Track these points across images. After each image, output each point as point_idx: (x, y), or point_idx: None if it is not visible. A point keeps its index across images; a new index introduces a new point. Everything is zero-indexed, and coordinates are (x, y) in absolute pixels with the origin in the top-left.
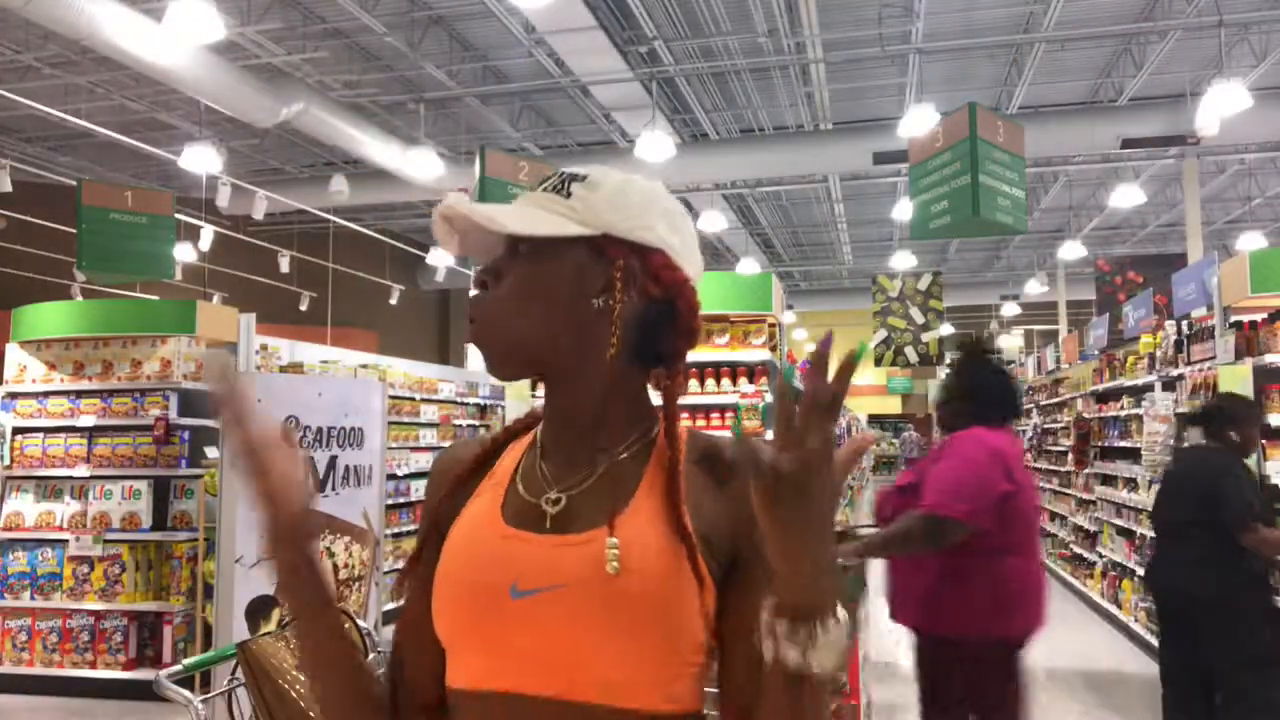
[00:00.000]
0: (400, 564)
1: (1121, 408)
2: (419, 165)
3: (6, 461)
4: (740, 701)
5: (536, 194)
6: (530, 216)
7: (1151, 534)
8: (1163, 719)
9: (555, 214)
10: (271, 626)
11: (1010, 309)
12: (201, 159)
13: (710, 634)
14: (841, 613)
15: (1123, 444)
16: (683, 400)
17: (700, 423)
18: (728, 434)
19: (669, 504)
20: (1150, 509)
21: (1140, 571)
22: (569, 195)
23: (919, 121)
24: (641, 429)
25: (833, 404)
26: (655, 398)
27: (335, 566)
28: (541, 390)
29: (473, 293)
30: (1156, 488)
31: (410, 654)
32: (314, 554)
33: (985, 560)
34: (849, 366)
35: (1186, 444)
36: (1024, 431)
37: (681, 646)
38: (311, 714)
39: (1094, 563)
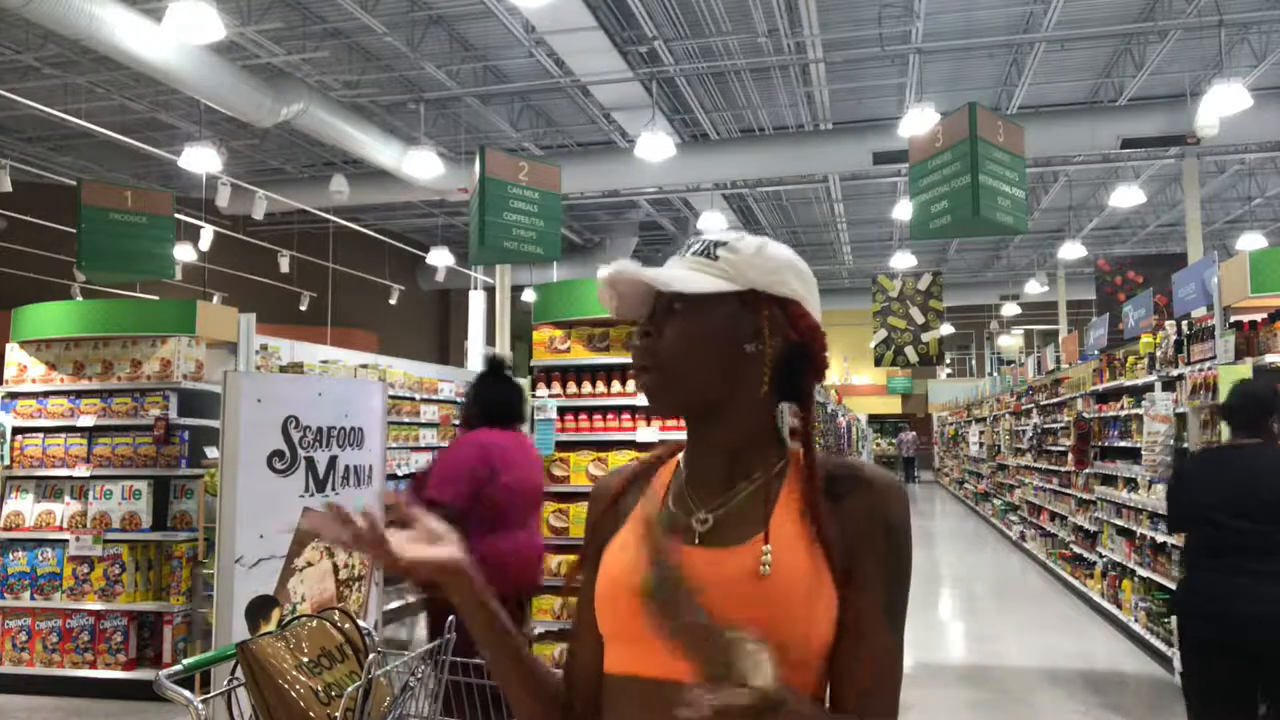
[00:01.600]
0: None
1: (1121, 408)
2: (419, 165)
3: (6, 461)
4: (845, 683)
5: (685, 258)
6: (687, 278)
7: (1163, 539)
8: None
9: (706, 274)
10: (271, 626)
11: (1010, 309)
12: (201, 159)
13: (833, 630)
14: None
15: (1123, 444)
16: None
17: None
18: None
19: (806, 520)
20: (1168, 511)
21: (1141, 572)
22: (715, 258)
23: (919, 121)
24: (778, 455)
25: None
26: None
27: (335, 566)
28: (543, 391)
29: (635, 343)
30: (1194, 493)
31: (581, 653)
32: (475, 590)
33: (480, 532)
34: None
35: (1218, 443)
36: (1024, 431)
37: (813, 643)
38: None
39: (1094, 563)
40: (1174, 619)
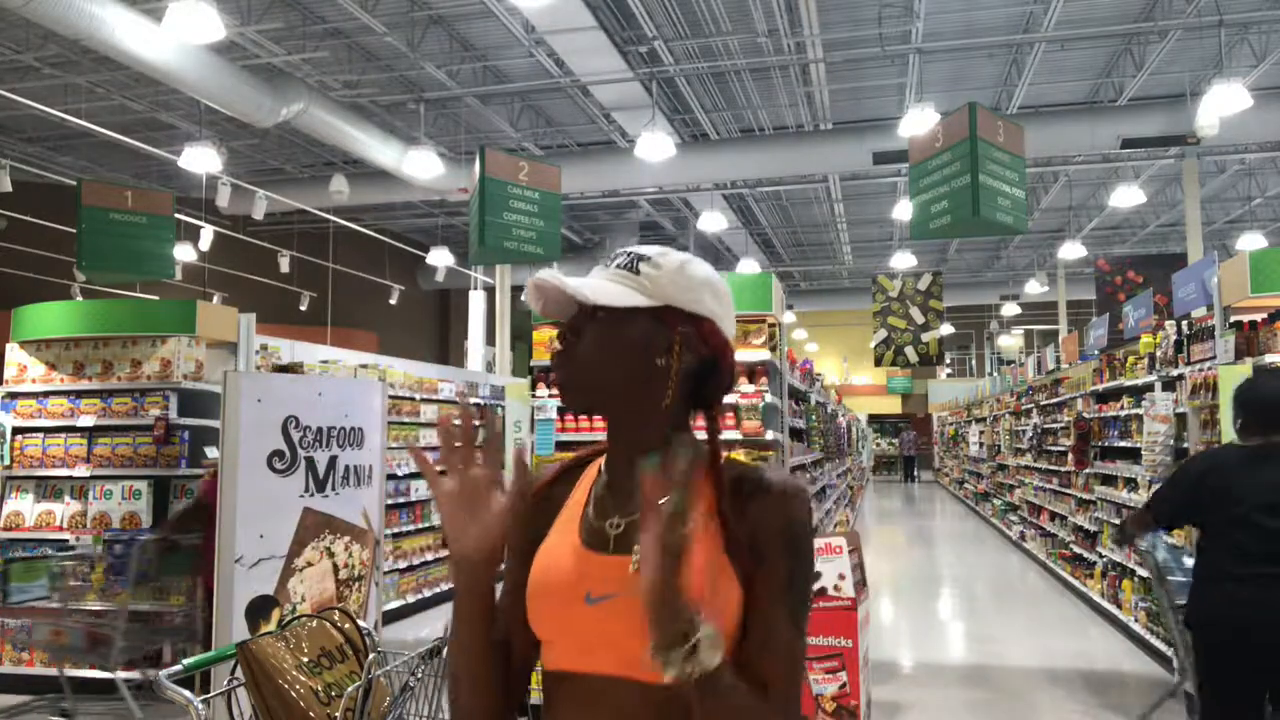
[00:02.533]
0: (400, 564)
1: (1121, 408)
2: (419, 165)
3: (6, 461)
4: (752, 670)
5: (610, 270)
6: (607, 290)
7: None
8: None
9: (627, 288)
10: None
11: (1010, 309)
12: (201, 159)
13: (738, 626)
14: (704, 628)
15: (1123, 444)
16: None
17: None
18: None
19: (711, 523)
20: (1166, 500)
21: (1141, 572)
22: (638, 272)
23: (919, 121)
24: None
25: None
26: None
27: (335, 566)
28: (543, 391)
29: (556, 346)
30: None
31: (512, 633)
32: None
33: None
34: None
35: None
36: (1024, 431)
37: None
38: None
39: (1094, 563)
40: (1188, 628)
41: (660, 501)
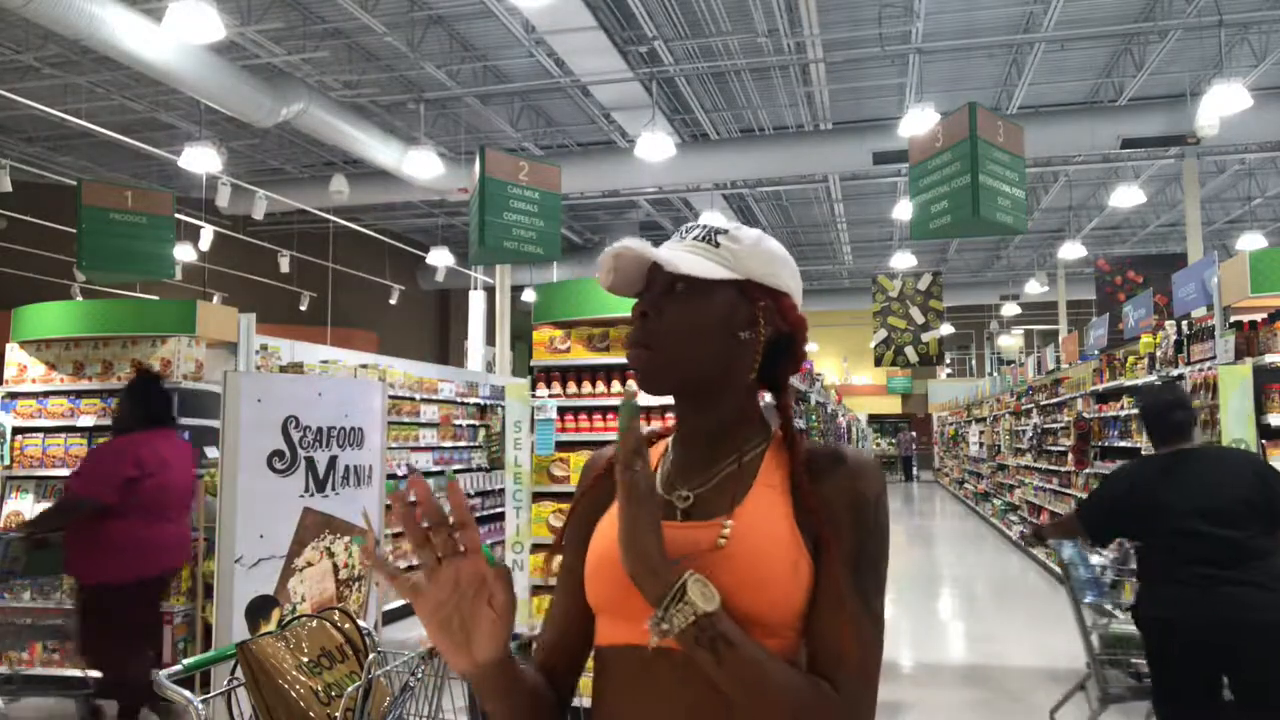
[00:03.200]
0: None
1: (1121, 408)
2: (419, 165)
3: (6, 461)
4: (819, 648)
5: (686, 241)
6: (693, 262)
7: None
8: None
9: (709, 260)
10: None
11: (1010, 309)
12: (201, 159)
13: (808, 603)
14: (685, 578)
15: (1123, 444)
16: None
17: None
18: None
19: (786, 496)
20: (1096, 510)
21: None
22: (717, 245)
23: (919, 121)
24: (759, 437)
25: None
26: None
27: (335, 566)
28: (543, 391)
29: (635, 324)
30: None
31: (561, 621)
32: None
33: (131, 523)
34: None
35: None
36: (1024, 431)
37: (783, 612)
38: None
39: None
40: (1139, 627)
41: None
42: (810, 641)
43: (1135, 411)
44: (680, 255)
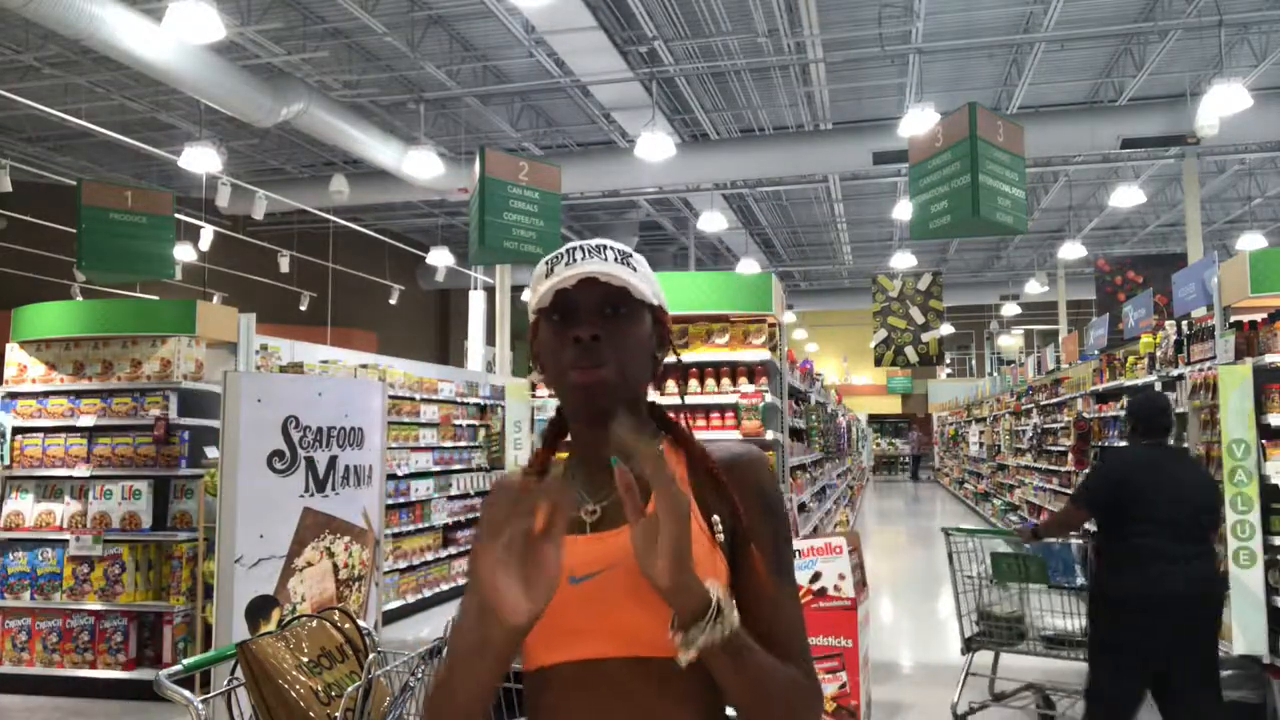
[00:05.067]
0: (400, 564)
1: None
2: (419, 165)
3: (6, 461)
4: (767, 636)
5: (609, 262)
6: (638, 283)
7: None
8: None
9: (643, 283)
10: (271, 626)
11: (1010, 309)
12: (201, 159)
13: (728, 587)
14: (715, 594)
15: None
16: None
17: (700, 422)
18: (728, 438)
19: (686, 492)
20: (1092, 494)
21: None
22: (635, 269)
23: (919, 121)
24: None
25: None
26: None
27: (335, 566)
28: (543, 391)
29: (582, 345)
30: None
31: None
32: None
33: None
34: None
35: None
36: (1024, 431)
37: None
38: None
39: None
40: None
41: (645, 472)
42: (755, 630)
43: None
44: (631, 278)
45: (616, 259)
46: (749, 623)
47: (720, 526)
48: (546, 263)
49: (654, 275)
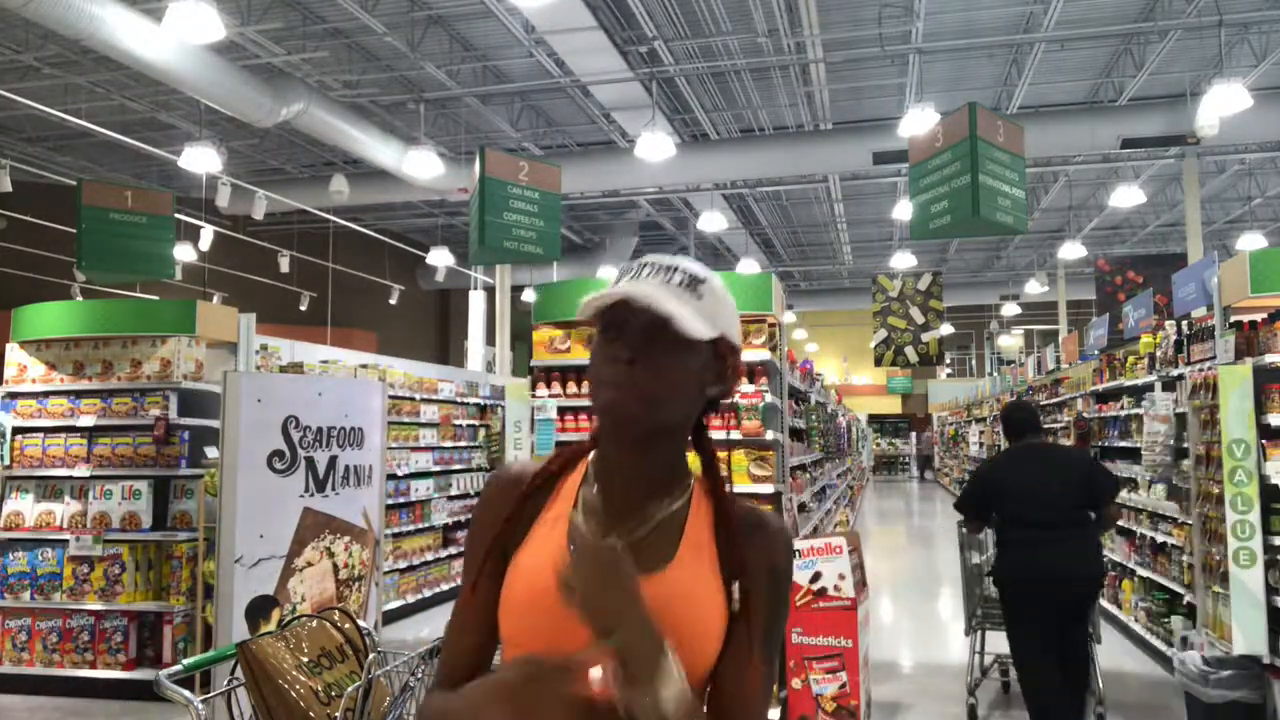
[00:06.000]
0: (400, 564)
1: (1121, 408)
2: (419, 165)
3: (6, 461)
4: (723, 704)
5: (670, 286)
6: (689, 319)
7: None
8: (1038, 700)
9: (699, 316)
10: (271, 626)
11: (1010, 309)
12: (201, 159)
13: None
14: (665, 660)
15: (1123, 444)
16: None
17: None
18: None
19: (711, 556)
20: (968, 494)
21: (1140, 572)
22: (700, 297)
23: (919, 121)
24: (682, 484)
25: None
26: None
27: (335, 566)
28: (543, 391)
29: (617, 366)
30: (1015, 482)
31: (469, 649)
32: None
33: None
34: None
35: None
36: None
37: (704, 664)
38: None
39: None
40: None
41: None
42: (717, 694)
43: (1134, 411)
44: (677, 309)
45: (683, 283)
46: (721, 690)
47: (736, 595)
48: (620, 270)
49: (728, 303)
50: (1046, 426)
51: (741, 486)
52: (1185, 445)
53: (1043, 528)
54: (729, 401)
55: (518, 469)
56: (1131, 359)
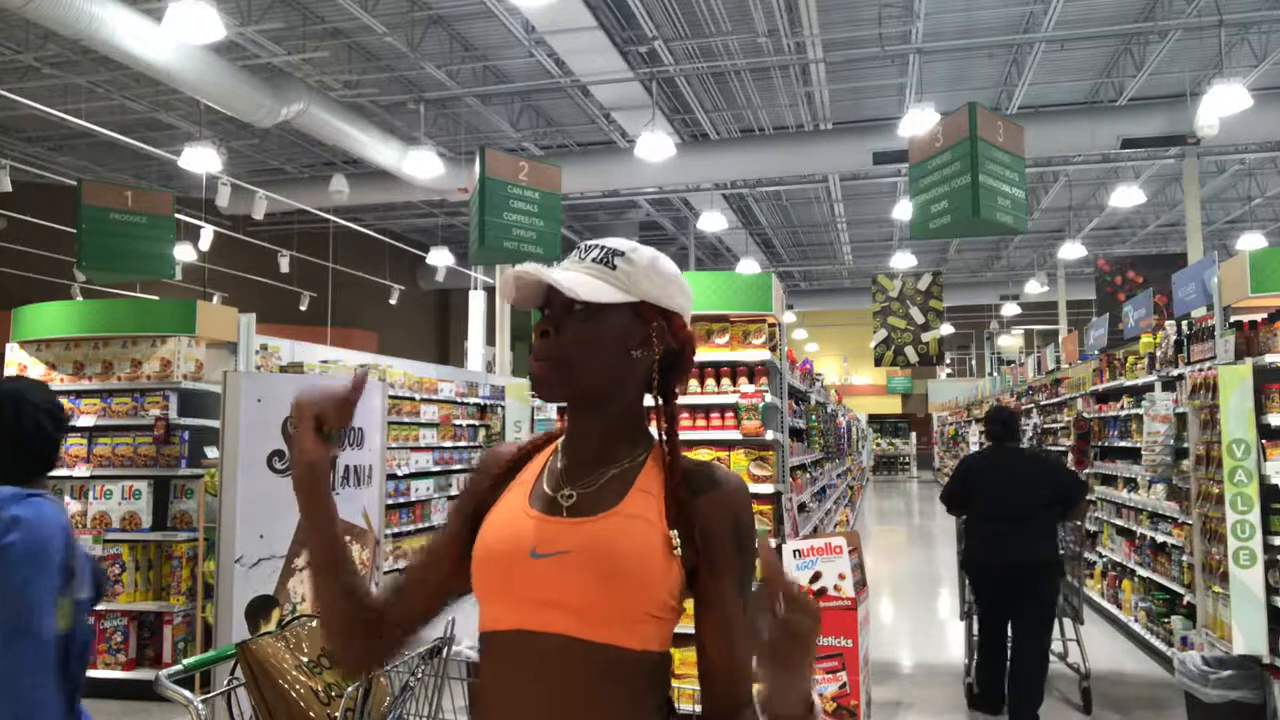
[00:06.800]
0: (400, 564)
1: (1121, 408)
2: (419, 165)
3: None
4: (710, 658)
5: (586, 263)
6: (590, 285)
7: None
8: (988, 679)
9: (607, 283)
10: (271, 626)
11: (1010, 309)
12: (201, 159)
13: (677, 595)
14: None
15: (1123, 444)
16: (683, 400)
17: (700, 422)
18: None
19: (658, 503)
20: (950, 489)
21: (1141, 572)
22: (614, 268)
23: (919, 121)
24: (642, 446)
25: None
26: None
27: None
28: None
29: (536, 339)
30: (986, 481)
31: (413, 582)
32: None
33: None
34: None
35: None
36: (1024, 430)
37: (651, 603)
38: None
39: (1094, 563)
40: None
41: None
42: (704, 649)
43: (1134, 411)
44: (578, 278)
45: (598, 258)
46: (710, 652)
47: (677, 542)
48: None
49: (657, 271)
50: (1047, 427)
51: None
52: (1185, 445)
53: (1001, 521)
54: (687, 364)
55: (505, 446)
56: (1131, 359)
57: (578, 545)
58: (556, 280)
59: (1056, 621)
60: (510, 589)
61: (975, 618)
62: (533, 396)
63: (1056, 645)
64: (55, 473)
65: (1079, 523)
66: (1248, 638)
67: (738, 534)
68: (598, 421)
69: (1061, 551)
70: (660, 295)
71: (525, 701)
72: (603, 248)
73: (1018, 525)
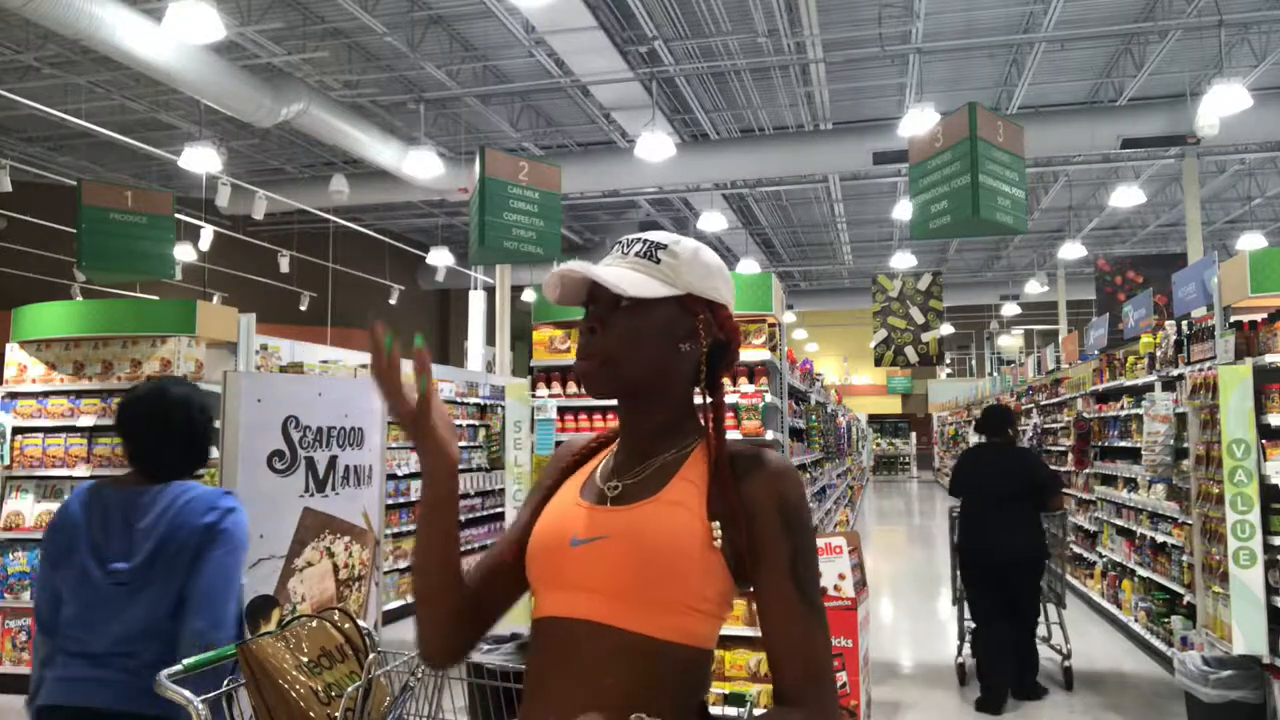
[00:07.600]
0: (401, 564)
1: (1121, 408)
2: (419, 165)
3: (6, 461)
4: (769, 641)
5: (629, 258)
6: (635, 280)
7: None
8: (988, 656)
9: (652, 277)
10: (271, 626)
11: (1010, 309)
12: (201, 159)
13: (720, 590)
14: None
15: (1123, 444)
16: None
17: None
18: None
19: (700, 490)
20: (952, 481)
21: (1141, 572)
22: (657, 261)
23: (919, 121)
24: (691, 437)
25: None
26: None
27: (335, 566)
28: (543, 391)
29: (583, 338)
30: (967, 471)
31: (488, 570)
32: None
33: None
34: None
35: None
36: (1024, 431)
37: (687, 593)
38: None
39: (1094, 563)
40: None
41: None
42: (769, 648)
43: (1134, 411)
44: (623, 274)
45: (641, 252)
46: (768, 635)
47: (718, 533)
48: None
49: (701, 263)
50: (1047, 427)
51: None
52: (1185, 445)
53: (985, 509)
54: (733, 355)
55: (578, 438)
56: (1131, 359)
57: (615, 531)
58: (602, 276)
59: (1040, 606)
60: (552, 576)
61: (965, 603)
62: (533, 397)
63: (1040, 629)
64: (55, 473)
65: (1061, 512)
66: (1248, 638)
67: (784, 514)
68: (647, 416)
69: (1046, 541)
70: (705, 287)
71: (557, 688)
72: (645, 241)
73: (996, 512)
